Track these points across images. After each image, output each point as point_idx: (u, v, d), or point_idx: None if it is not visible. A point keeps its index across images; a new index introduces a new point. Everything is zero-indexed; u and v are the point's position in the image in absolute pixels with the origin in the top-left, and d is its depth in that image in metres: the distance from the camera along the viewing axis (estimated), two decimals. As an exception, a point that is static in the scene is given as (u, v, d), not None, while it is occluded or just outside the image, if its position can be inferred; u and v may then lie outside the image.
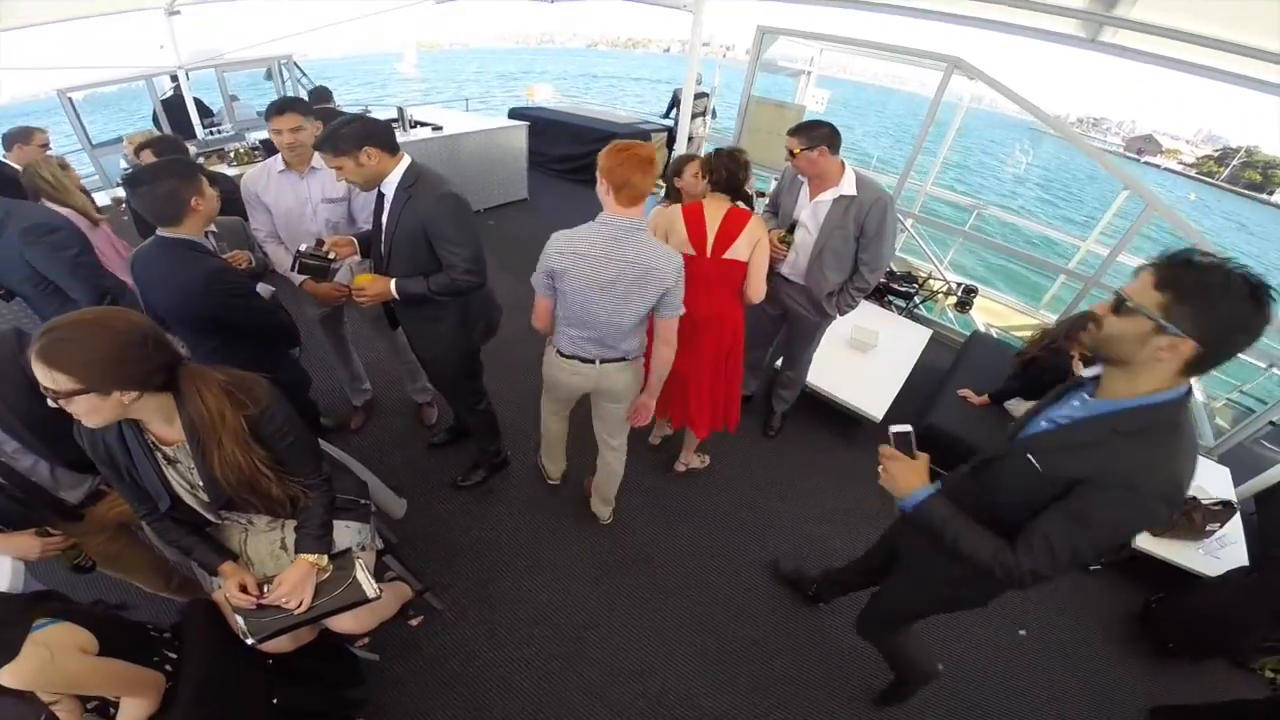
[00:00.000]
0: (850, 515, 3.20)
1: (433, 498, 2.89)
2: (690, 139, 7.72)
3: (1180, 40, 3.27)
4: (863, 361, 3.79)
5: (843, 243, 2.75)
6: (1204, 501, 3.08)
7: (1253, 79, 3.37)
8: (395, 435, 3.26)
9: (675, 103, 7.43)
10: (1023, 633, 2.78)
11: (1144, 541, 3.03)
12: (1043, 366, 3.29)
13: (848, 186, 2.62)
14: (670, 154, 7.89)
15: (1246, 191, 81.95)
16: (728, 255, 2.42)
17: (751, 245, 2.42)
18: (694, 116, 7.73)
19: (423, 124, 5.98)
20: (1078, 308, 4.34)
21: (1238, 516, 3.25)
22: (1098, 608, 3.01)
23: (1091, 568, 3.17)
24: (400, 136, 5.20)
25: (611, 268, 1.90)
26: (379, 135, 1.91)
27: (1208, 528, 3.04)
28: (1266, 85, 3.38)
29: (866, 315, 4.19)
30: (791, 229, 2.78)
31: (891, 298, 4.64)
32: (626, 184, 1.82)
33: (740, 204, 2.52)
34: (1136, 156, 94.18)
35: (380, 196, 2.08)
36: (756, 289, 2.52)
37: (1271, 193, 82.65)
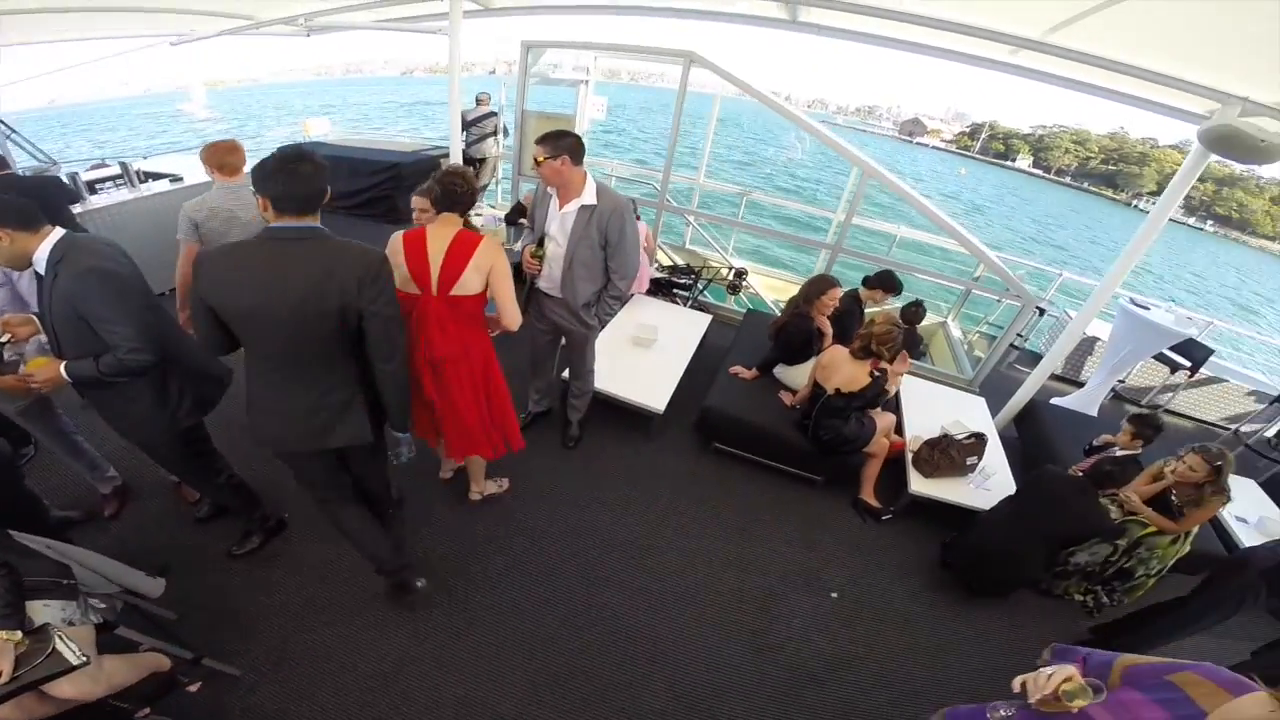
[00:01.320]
0: (665, 513, 3.22)
1: (210, 570, 2.66)
2: (483, 160, 7.63)
3: (907, 22, 3.48)
4: (646, 357, 3.84)
5: (590, 252, 2.70)
6: (957, 436, 3.35)
7: (984, 59, 3.69)
8: (156, 516, 2.90)
9: (465, 124, 7.26)
10: (835, 595, 2.88)
11: (917, 485, 3.25)
12: (791, 331, 3.55)
13: (589, 196, 2.60)
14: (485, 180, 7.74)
15: (996, 161, 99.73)
16: (455, 291, 2.17)
17: (484, 274, 2.18)
18: (484, 137, 7.63)
19: (158, 176, 5.20)
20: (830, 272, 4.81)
21: (996, 444, 3.62)
22: (902, 558, 3.17)
23: (884, 517, 3.38)
24: (124, 194, 4.52)
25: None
26: (9, 214, 1.77)
27: (968, 462, 3.30)
28: (997, 64, 3.70)
29: (648, 312, 4.30)
30: (541, 242, 2.70)
31: (676, 291, 4.88)
32: None
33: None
34: (908, 138, 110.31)
35: (37, 275, 1.91)
36: (510, 318, 2.29)
37: (1013, 159, 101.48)
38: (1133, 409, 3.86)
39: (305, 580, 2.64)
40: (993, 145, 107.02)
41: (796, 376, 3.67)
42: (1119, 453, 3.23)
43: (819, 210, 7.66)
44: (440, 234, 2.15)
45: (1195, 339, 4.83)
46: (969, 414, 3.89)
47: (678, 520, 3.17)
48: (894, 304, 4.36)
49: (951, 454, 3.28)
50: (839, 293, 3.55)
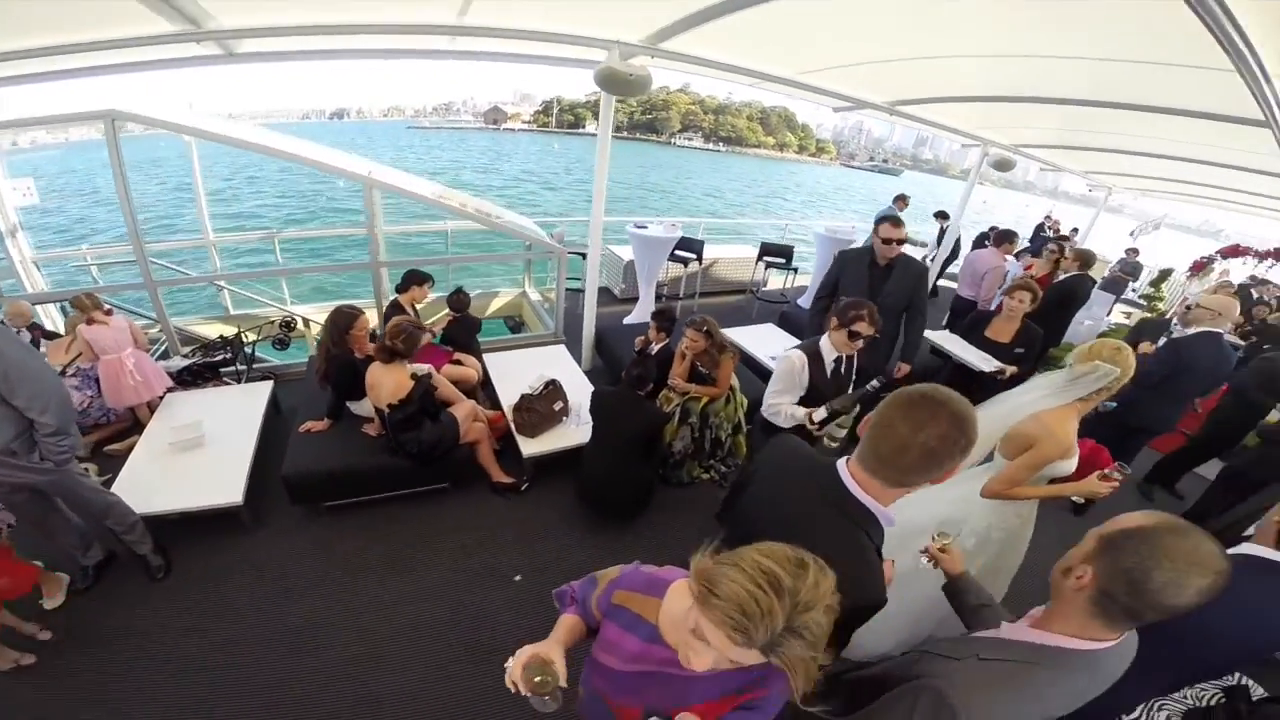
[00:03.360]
0: (311, 590, 2.87)
1: None
2: None
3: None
4: (201, 456, 3.21)
5: None
6: (532, 391, 3.62)
7: (432, 50, 3.79)
8: None
9: None
10: (518, 578, 2.96)
11: (528, 448, 3.47)
12: (337, 375, 3.36)
13: None
14: None
15: (571, 130, 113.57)
16: None
17: None
18: None
19: None
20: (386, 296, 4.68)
21: (582, 381, 4.09)
22: (556, 514, 3.39)
23: (522, 488, 3.54)
24: None
25: None
26: None
27: (555, 408, 3.62)
28: (449, 53, 3.84)
29: (184, 409, 3.57)
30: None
31: (224, 369, 4.12)
32: None
33: None
34: (495, 126, 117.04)
35: None
36: None
37: (584, 126, 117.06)
38: (655, 306, 4.78)
39: None
40: (565, 118, 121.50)
41: (368, 405, 3.49)
42: (654, 348, 3.99)
43: (350, 230, 7.16)
44: None
45: (689, 237, 6.37)
46: (552, 365, 4.27)
47: (329, 591, 2.85)
48: (435, 296, 4.38)
49: (536, 408, 3.57)
50: (366, 320, 3.46)
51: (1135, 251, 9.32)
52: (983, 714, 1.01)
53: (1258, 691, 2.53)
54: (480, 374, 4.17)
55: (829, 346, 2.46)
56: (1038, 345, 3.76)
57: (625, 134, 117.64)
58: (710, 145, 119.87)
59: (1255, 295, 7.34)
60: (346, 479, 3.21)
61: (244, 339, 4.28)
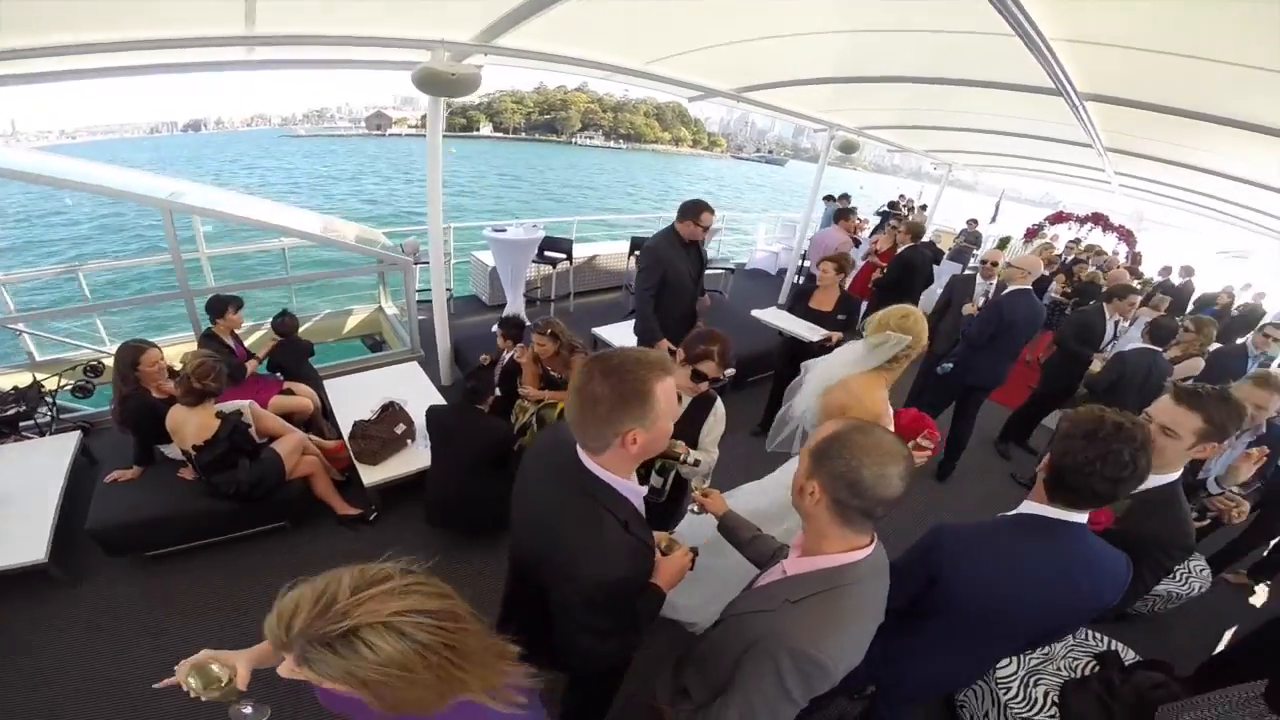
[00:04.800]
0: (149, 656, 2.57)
1: None
2: None
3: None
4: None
5: None
6: (369, 417, 3.36)
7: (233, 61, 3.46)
8: None
9: None
10: None
11: (370, 476, 3.17)
12: (136, 420, 2.96)
13: None
14: None
15: (463, 134, 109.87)
16: None
17: None
18: None
19: None
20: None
21: (434, 397, 3.80)
22: (410, 541, 3.09)
23: (371, 518, 3.27)
24: None
25: None
26: None
27: (398, 431, 3.33)
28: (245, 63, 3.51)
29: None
30: None
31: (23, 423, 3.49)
32: None
33: None
34: (379, 132, 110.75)
35: None
36: None
37: (478, 129, 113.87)
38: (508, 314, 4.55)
39: None
40: (456, 121, 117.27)
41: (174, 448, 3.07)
42: (506, 357, 3.77)
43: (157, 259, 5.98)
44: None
45: (555, 237, 6.18)
46: (407, 384, 3.99)
47: (166, 642, 2.60)
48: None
49: (374, 434, 3.28)
50: (156, 354, 3.02)
51: (974, 222, 10.24)
52: (836, 649, 1.05)
53: (1129, 655, 2.70)
54: (316, 402, 3.78)
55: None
56: (858, 312, 3.97)
57: (524, 135, 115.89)
58: (611, 143, 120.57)
59: (1075, 257, 8.22)
60: (167, 526, 2.91)
61: (40, 388, 3.61)
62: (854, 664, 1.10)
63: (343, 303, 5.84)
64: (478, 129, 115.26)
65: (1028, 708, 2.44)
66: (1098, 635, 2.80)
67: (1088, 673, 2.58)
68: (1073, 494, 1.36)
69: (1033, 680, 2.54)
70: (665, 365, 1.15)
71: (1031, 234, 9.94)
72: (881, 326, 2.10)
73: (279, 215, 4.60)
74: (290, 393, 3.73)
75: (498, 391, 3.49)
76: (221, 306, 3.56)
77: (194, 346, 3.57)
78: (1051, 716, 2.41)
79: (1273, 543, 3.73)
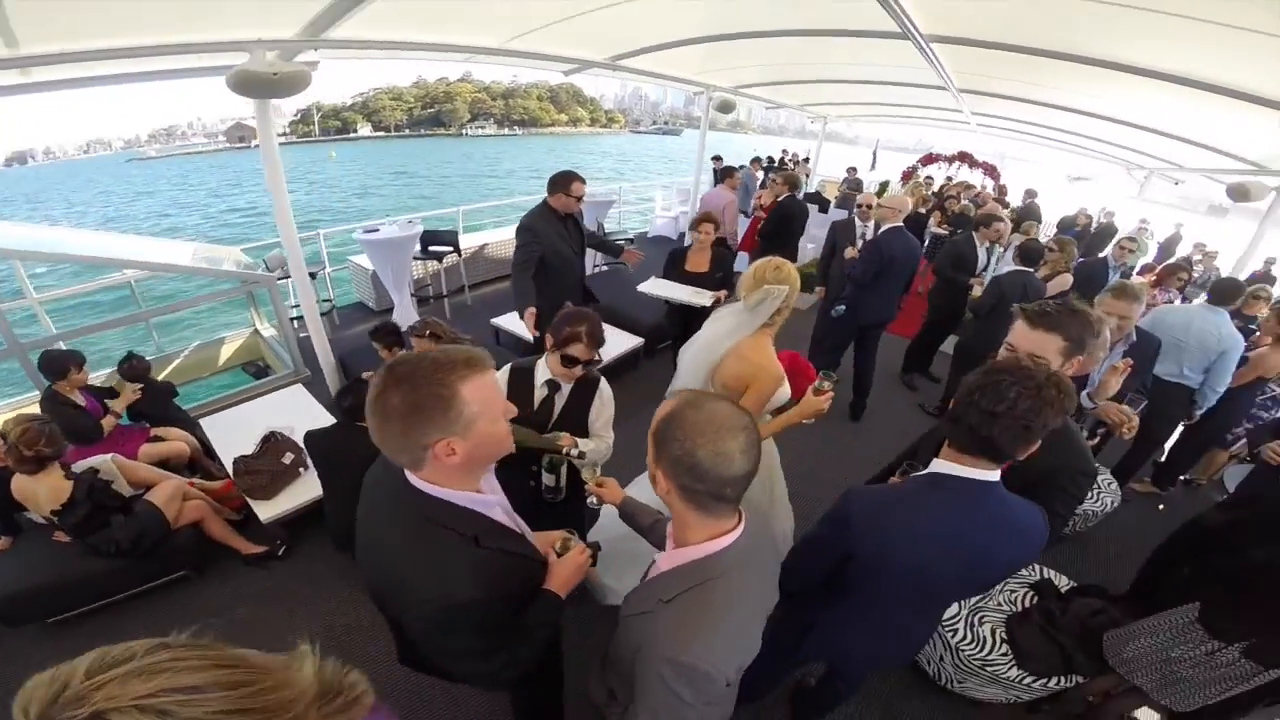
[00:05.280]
0: None
1: None
2: None
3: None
4: None
5: None
6: (250, 453, 3.13)
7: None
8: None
9: None
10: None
11: (266, 512, 2.99)
12: None
13: None
14: None
15: (340, 137, 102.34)
16: None
17: None
18: None
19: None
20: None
21: (323, 418, 3.59)
22: (320, 570, 2.98)
23: (279, 554, 3.06)
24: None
25: None
26: None
27: (288, 460, 3.11)
28: None
29: None
30: None
31: None
32: None
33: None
34: (243, 144, 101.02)
35: None
36: None
37: (355, 130, 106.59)
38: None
39: None
40: (330, 124, 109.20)
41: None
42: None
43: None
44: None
45: (436, 230, 5.92)
46: (291, 410, 3.70)
47: None
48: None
49: (259, 469, 3.04)
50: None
51: (854, 170, 10.83)
52: (708, 651, 0.97)
53: (1062, 581, 2.73)
54: (193, 443, 3.45)
55: (543, 367, 2.01)
56: (733, 266, 4.03)
57: (408, 131, 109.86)
58: (505, 130, 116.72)
59: (946, 193, 8.84)
60: (61, 590, 2.67)
61: None
62: (744, 661, 1.05)
63: (214, 331, 5.30)
64: (355, 130, 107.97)
65: (978, 648, 2.45)
66: (1030, 565, 2.85)
67: (1027, 604, 2.64)
68: (955, 428, 1.28)
69: (977, 619, 2.56)
70: (473, 362, 1.05)
71: (907, 176, 10.60)
72: (758, 282, 2.04)
73: (116, 247, 4.09)
74: (160, 439, 3.40)
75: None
76: (61, 367, 3.13)
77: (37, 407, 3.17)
78: (1004, 654, 2.42)
79: (1167, 447, 4.03)
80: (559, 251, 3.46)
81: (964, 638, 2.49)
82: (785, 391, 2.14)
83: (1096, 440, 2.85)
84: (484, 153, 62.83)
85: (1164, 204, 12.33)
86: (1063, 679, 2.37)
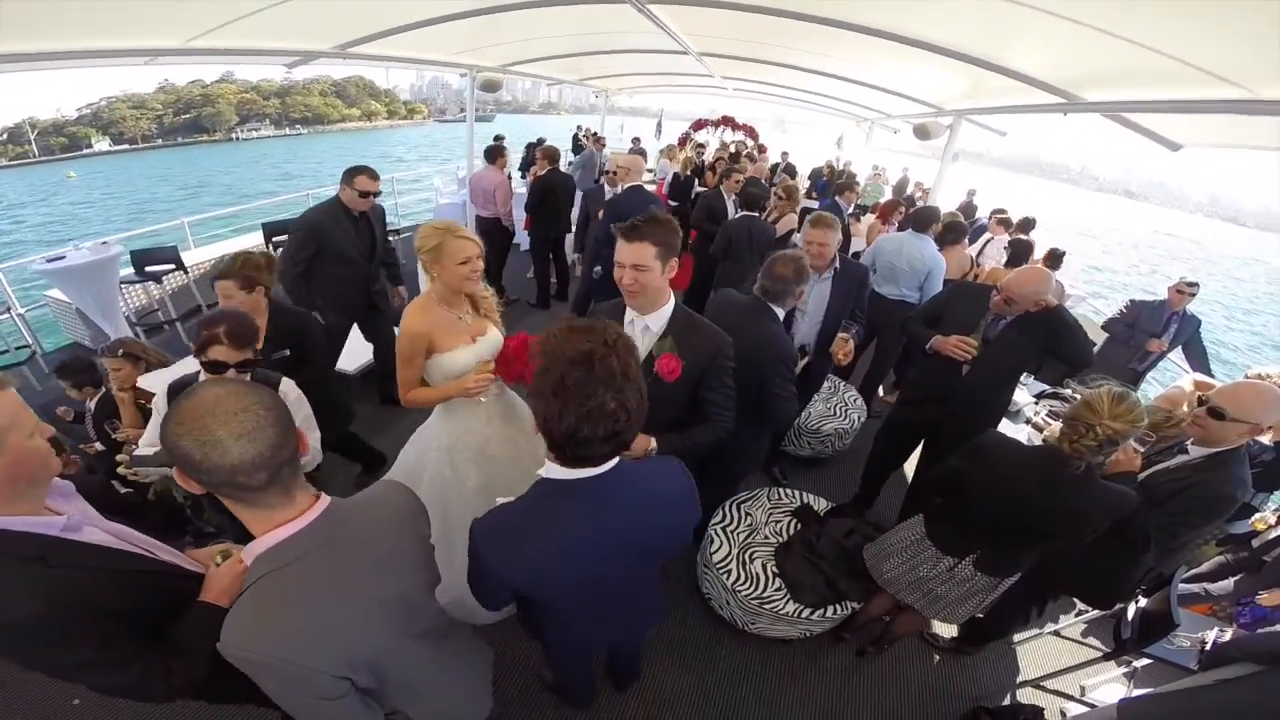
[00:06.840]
0: None
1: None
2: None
3: None
4: None
5: None
6: None
7: None
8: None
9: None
10: (76, 701, 2.26)
11: None
12: None
13: None
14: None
15: (71, 154, 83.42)
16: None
17: None
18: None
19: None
20: None
21: None
22: None
23: None
24: None
25: None
26: None
27: None
28: None
29: None
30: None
31: None
32: None
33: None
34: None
35: None
36: None
37: (90, 145, 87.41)
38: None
39: None
40: (54, 142, 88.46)
41: None
42: (91, 405, 2.99)
43: None
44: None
45: (151, 248, 5.14)
46: None
47: None
48: None
49: None
50: None
51: (638, 139, 11.37)
52: (274, 643, 0.94)
53: (821, 504, 2.77)
54: None
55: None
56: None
57: (161, 141, 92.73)
58: (286, 130, 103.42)
59: (717, 157, 9.59)
60: None
61: None
62: (337, 649, 0.99)
63: None
64: (89, 145, 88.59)
65: (753, 586, 2.36)
66: (790, 491, 2.86)
67: (791, 533, 2.63)
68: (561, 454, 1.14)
69: (748, 555, 2.49)
70: None
71: (683, 142, 11.28)
72: (423, 243, 1.86)
73: None
74: None
75: (99, 446, 2.85)
76: None
77: None
78: (779, 589, 2.36)
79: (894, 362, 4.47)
80: (339, 250, 3.12)
81: (738, 578, 2.40)
82: (454, 357, 1.95)
83: (806, 360, 2.93)
84: (267, 156, 55.37)
85: (913, 154, 14.52)
86: (837, 607, 2.32)
